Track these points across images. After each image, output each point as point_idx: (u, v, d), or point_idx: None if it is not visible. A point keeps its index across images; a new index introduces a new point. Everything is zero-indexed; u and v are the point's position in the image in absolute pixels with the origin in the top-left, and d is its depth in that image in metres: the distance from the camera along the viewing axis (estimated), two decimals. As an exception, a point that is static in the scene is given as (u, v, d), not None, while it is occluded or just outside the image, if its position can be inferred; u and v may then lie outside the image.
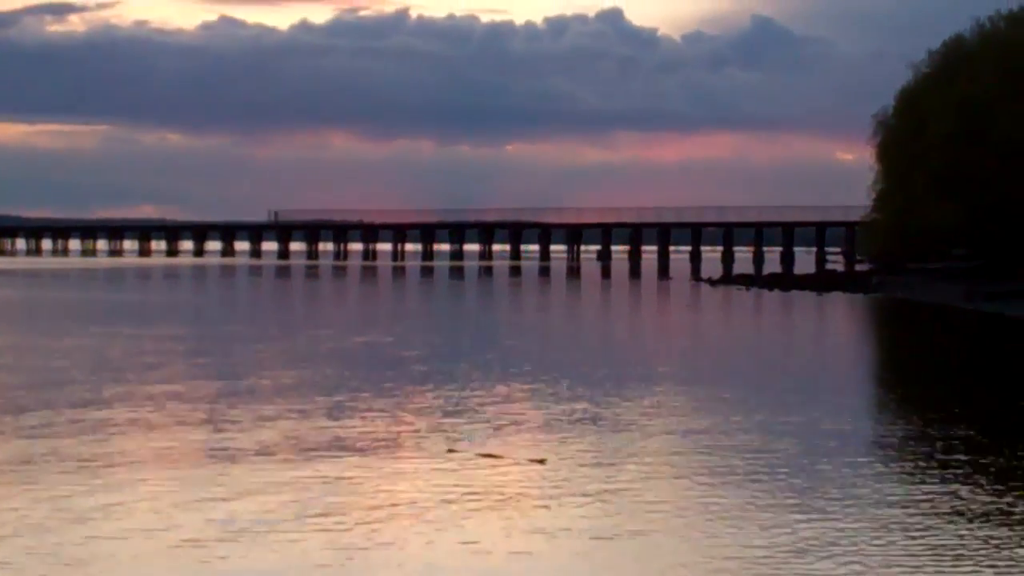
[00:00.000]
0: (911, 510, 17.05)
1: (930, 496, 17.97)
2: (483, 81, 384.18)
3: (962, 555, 14.78)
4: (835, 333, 55.63)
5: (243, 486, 18.14)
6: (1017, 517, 16.76)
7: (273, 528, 15.72)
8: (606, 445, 21.96)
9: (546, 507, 17.07)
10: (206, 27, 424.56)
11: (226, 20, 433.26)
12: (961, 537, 15.61)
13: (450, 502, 17.29)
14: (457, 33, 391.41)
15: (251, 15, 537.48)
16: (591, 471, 19.50)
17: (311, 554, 14.65)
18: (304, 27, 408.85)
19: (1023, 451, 21.83)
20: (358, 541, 15.20)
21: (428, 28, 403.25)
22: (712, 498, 17.65)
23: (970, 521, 16.46)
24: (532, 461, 20.25)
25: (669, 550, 14.96)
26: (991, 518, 16.66)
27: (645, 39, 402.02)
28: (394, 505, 17.13)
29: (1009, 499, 17.83)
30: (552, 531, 15.78)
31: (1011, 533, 15.86)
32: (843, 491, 18.16)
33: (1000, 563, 14.49)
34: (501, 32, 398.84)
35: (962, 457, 21.14)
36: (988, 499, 17.81)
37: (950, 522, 16.38)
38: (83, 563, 14.16)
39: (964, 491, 18.31)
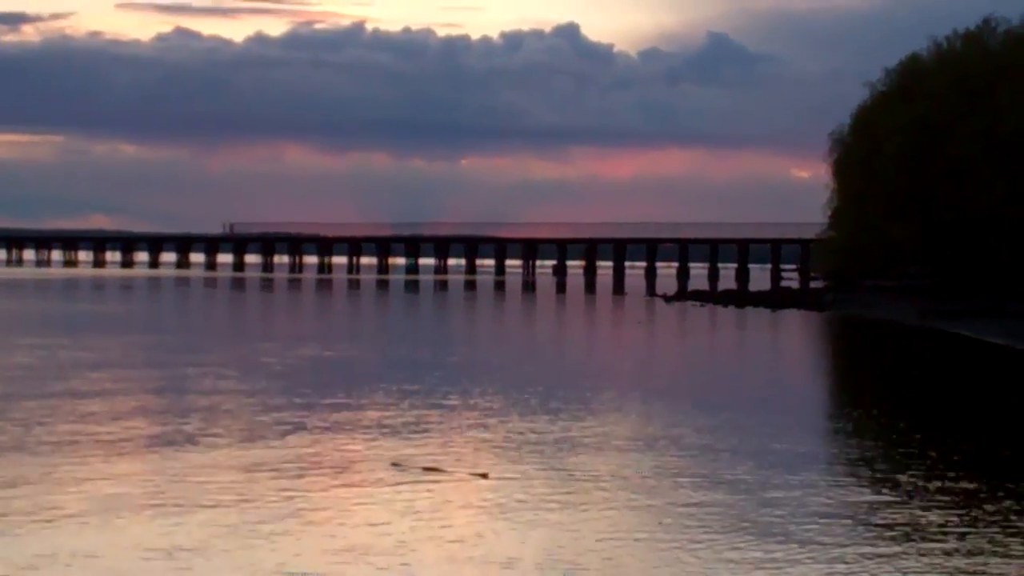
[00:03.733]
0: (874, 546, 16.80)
1: (888, 522, 17.73)
2: (438, 95, 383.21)
3: None
4: (788, 351, 55.49)
5: (182, 502, 17.76)
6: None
7: (204, 550, 15.29)
8: (551, 460, 21.64)
9: (486, 530, 16.74)
10: (161, 39, 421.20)
11: (181, 32, 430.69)
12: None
13: (390, 521, 16.95)
14: (413, 47, 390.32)
15: (206, 27, 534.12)
16: (534, 488, 19.16)
17: (242, 568, 14.28)
18: (259, 39, 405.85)
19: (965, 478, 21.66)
20: (292, 563, 14.81)
21: (384, 42, 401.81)
22: (655, 523, 17.35)
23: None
24: (474, 475, 19.98)
25: None
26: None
27: (601, 55, 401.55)
28: (331, 524, 16.77)
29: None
30: (494, 559, 15.46)
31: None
32: (795, 530, 17.90)
33: None
34: (457, 46, 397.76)
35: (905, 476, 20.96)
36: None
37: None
38: None
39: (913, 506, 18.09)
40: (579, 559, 15.01)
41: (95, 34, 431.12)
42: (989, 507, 18.33)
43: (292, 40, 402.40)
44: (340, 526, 16.46)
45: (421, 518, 16.95)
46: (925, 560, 15.17)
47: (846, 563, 14.95)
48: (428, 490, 18.80)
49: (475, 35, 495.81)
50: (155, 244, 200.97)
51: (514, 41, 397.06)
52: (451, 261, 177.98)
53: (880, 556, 15.31)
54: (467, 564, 14.79)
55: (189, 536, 15.70)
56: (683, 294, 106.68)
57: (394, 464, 20.90)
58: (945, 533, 16.64)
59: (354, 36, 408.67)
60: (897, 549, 15.70)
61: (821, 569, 14.66)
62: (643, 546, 15.67)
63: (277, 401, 29.27)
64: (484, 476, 19.94)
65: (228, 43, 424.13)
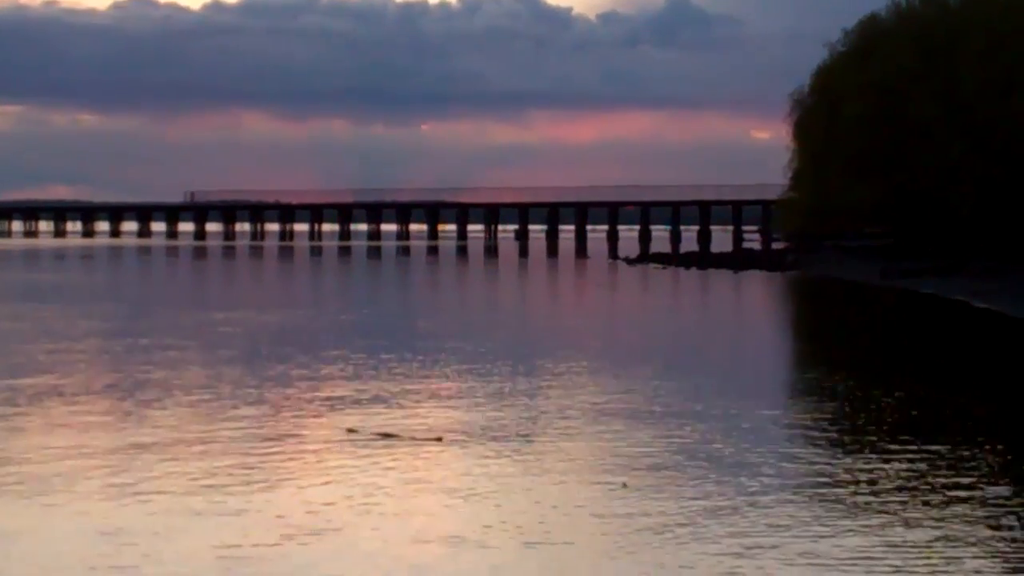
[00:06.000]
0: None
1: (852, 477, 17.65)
2: (397, 61, 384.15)
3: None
4: (751, 310, 55.48)
5: (128, 478, 17.54)
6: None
7: (151, 529, 14.95)
8: (509, 426, 21.44)
9: (436, 500, 16.58)
10: (118, 7, 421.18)
11: (138, 0, 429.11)
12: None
13: (341, 492, 16.78)
14: (371, 13, 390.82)
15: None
16: (489, 454, 19.00)
17: (187, 548, 14.06)
18: (216, 7, 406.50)
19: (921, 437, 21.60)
20: (237, 539, 14.50)
21: (341, 8, 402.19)
22: (614, 491, 17.20)
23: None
24: (429, 440, 19.85)
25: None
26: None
27: (560, 18, 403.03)
28: (282, 495, 16.58)
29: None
30: (443, 530, 15.30)
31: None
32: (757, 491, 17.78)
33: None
34: (415, 11, 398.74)
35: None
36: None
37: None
38: None
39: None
40: (534, 528, 14.82)
41: (51, 3, 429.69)
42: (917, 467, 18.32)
43: (249, 7, 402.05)
44: (291, 497, 16.24)
45: (372, 487, 16.74)
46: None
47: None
48: (382, 456, 18.61)
49: (433, 0, 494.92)
50: (116, 213, 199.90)
51: (472, 5, 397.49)
52: (413, 227, 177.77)
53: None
54: (414, 535, 14.60)
55: (135, 515, 15.34)
56: (645, 256, 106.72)
57: (350, 430, 20.74)
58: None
59: (311, 3, 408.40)
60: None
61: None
62: (601, 515, 15.50)
63: (232, 369, 29.01)
64: (439, 440, 19.84)
65: (185, 11, 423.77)
